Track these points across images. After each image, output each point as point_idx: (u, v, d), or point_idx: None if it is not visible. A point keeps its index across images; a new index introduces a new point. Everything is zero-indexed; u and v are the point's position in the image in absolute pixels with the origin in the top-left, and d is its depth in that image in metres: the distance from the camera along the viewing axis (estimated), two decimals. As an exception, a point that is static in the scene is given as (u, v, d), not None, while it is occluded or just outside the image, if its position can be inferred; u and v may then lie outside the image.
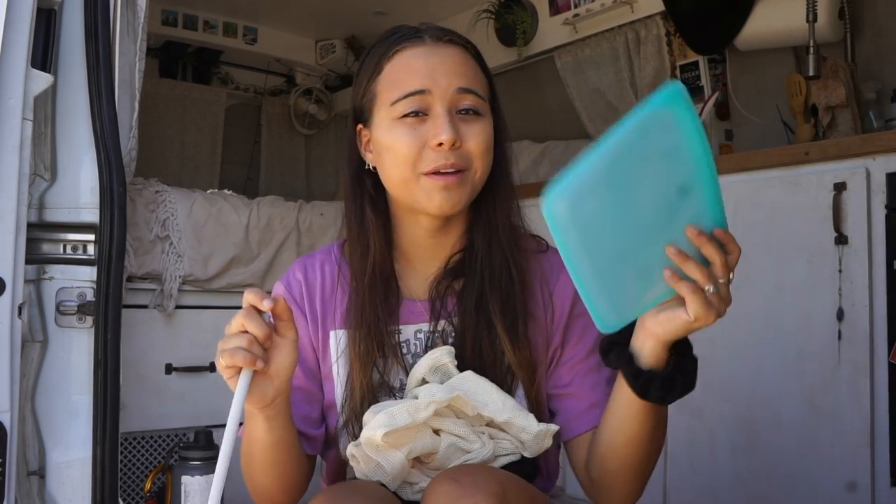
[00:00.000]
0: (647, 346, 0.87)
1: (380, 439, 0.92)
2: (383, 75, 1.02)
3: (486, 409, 0.97)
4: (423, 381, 1.00)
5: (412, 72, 1.00)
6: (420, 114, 0.99)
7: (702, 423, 2.05)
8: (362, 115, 1.06)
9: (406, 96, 0.99)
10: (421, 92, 0.99)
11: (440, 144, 0.98)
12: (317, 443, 1.09)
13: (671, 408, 0.95)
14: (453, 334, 1.05)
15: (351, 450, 0.98)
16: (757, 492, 1.95)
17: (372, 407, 0.98)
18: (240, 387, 0.86)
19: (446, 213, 1.01)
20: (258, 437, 0.98)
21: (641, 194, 0.76)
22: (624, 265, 0.79)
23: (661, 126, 0.74)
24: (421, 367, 1.00)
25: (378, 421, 0.93)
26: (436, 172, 0.98)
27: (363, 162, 1.08)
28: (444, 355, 1.00)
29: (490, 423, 0.99)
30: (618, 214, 0.77)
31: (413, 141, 0.99)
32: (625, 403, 0.92)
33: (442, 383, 0.99)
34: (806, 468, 1.86)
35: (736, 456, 2.00)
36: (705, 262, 0.80)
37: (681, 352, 0.89)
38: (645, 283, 0.81)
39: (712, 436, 2.05)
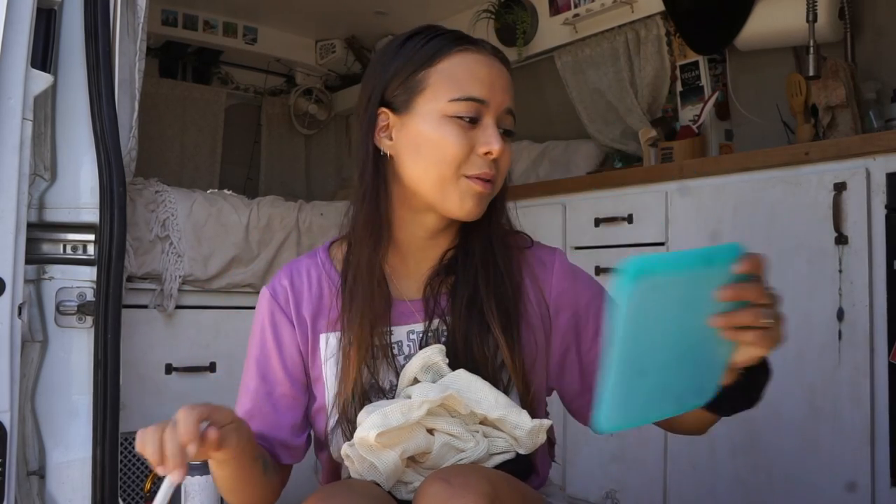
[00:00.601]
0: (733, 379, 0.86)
1: (373, 440, 0.91)
2: (439, 68, 1.02)
3: (479, 406, 0.97)
4: (415, 380, 1.00)
5: (476, 77, 1.02)
6: (474, 120, 1.02)
7: (702, 422, 2.05)
8: (394, 101, 1.05)
9: (468, 99, 1.01)
10: (481, 101, 1.02)
11: (487, 153, 1.01)
12: (298, 452, 1.10)
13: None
14: (445, 332, 1.05)
15: (345, 450, 0.98)
16: (757, 492, 1.95)
17: (365, 407, 0.98)
18: (160, 493, 0.86)
19: (471, 218, 1.04)
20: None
21: (680, 340, 0.75)
22: (695, 371, 0.79)
23: (648, 295, 0.70)
24: (412, 366, 1.00)
25: (371, 421, 0.92)
26: (477, 177, 1.01)
27: (378, 148, 1.07)
28: (435, 354, 1.00)
29: (483, 421, 0.99)
30: (671, 375, 0.76)
31: (464, 142, 1.01)
32: (701, 420, 1.01)
33: (434, 382, 0.99)
34: (806, 468, 1.86)
35: (736, 455, 2.00)
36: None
37: None
38: (715, 367, 0.81)
39: (712, 435, 2.04)
